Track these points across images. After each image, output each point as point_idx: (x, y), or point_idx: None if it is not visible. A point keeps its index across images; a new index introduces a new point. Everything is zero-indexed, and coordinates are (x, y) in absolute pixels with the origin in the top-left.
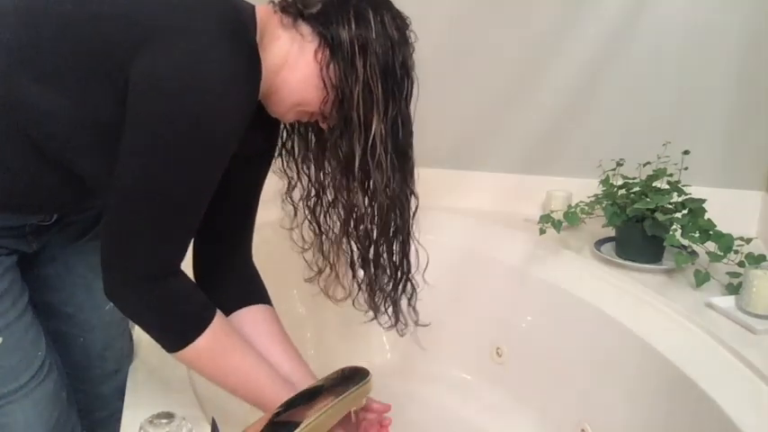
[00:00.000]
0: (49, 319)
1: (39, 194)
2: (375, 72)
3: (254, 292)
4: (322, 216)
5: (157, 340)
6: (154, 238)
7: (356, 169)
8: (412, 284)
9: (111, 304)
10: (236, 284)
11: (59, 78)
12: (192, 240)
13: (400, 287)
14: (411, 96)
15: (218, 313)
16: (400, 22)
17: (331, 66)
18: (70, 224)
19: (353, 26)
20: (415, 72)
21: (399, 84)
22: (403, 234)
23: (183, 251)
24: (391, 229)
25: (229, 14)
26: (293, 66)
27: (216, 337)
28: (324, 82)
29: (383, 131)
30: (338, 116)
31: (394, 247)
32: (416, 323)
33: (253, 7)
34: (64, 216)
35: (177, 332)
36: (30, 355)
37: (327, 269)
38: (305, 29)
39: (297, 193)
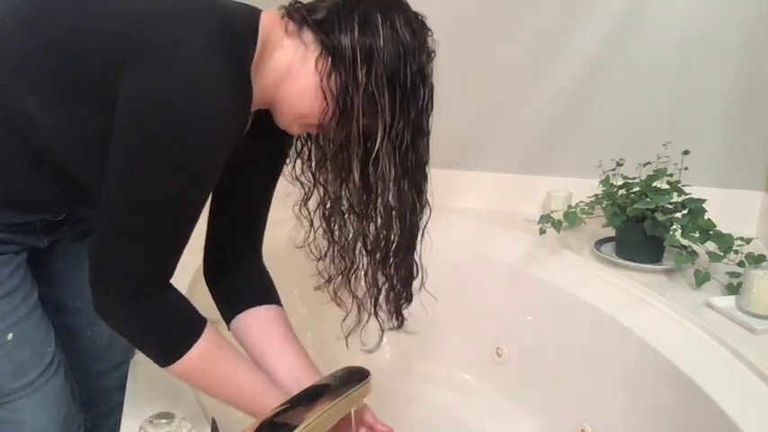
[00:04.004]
0: (57, 314)
1: (49, 198)
2: (381, 81)
3: (264, 293)
4: (336, 225)
5: (148, 355)
6: (142, 256)
7: (357, 182)
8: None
9: None
10: (245, 285)
11: (49, 93)
12: (205, 240)
13: (400, 294)
14: (428, 106)
15: (210, 326)
16: (416, 26)
17: (332, 76)
18: (81, 220)
19: (357, 32)
20: (432, 80)
21: (411, 94)
22: (409, 246)
23: (172, 268)
24: (396, 240)
25: (218, 29)
26: (295, 76)
27: (206, 350)
28: (324, 93)
29: (388, 145)
30: (338, 129)
31: (398, 258)
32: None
33: (257, 14)
34: (74, 213)
35: (167, 347)
36: (40, 351)
37: (338, 277)
38: (308, 37)
39: (311, 203)
